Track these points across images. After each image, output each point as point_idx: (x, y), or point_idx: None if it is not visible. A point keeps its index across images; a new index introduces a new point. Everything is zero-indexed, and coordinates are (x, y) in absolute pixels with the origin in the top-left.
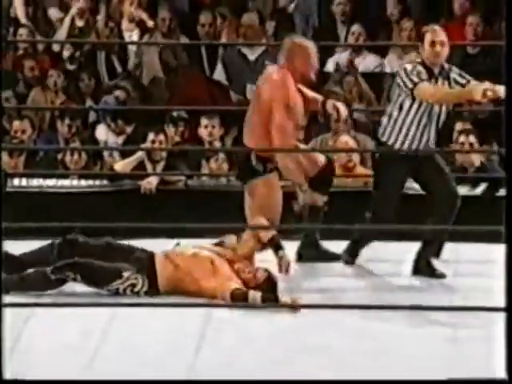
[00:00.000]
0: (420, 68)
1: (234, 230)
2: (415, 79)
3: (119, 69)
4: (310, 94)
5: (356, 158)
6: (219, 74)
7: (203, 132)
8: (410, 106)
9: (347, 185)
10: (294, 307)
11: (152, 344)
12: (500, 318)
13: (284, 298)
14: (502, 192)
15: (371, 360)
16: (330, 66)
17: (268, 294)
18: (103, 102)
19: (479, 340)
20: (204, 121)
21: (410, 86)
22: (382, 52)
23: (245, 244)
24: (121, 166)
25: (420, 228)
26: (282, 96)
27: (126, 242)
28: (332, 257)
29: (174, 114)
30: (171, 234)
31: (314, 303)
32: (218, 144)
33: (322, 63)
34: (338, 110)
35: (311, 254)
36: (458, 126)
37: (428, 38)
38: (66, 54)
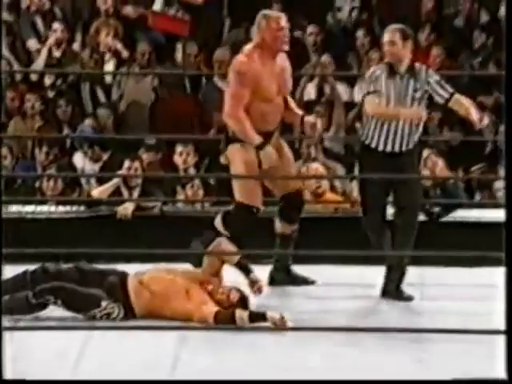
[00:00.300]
0: (377, 72)
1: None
2: (365, 90)
3: (102, 99)
4: (292, 104)
5: (326, 184)
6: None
7: (178, 159)
8: None
9: (317, 211)
10: (281, 327)
11: (127, 364)
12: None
13: (271, 314)
14: (501, 217)
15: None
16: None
17: (256, 313)
18: (80, 130)
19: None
20: (179, 148)
21: (361, 96)
22: (351, 81)
23: (210, 265)
24: (98, 192)
25: (385, 253)
26: (238, 66)
27: (98, 266)
28: (302, 281)
29: (150, 141)
30: (147, 259)
31: (298, 326)
32: (192, 171)
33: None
34: (315, 128)
35: (282, 277)
36: (425, 152)
37: (383, 38)
38: (47, 81)
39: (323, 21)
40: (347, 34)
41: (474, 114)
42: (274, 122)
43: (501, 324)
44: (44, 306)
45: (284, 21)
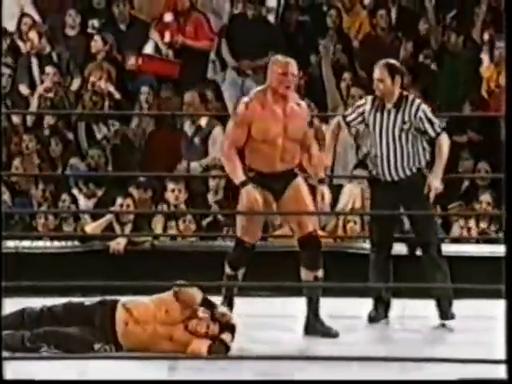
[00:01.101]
0: (360, 102)
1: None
2: (346, 118)
3: (99, 136)
4: (313, 156)
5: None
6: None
7: (170, 196)
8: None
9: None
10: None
11: None
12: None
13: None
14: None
15: None
16: None
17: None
18: (74, 168)
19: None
20: (170, 185)
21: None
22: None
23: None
24: (91, 227)
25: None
26: (238, 108)
27: (86, 301)
28: None
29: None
30: (138, 292)
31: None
32: (183, 206)
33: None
34: (323, 197)
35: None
36: None
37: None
38: (42, 122)
39: (307, 64)
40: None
41: (433, 181)
42: (277, 164)
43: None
44: (38, 348)
45: (291, 67)
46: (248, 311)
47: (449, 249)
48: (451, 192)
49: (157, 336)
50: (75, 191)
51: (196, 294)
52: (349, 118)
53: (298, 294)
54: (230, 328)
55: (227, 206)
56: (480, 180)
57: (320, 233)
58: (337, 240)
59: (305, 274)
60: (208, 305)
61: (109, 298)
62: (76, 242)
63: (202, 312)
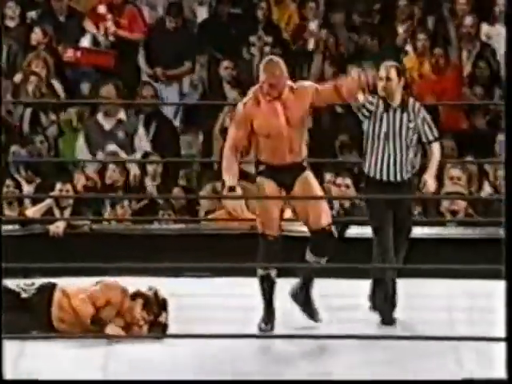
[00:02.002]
0: (370, 99)
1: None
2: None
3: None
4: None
5: (243, 203)
6: (82, 143)
7: (110, 177)
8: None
9: (234, 228)
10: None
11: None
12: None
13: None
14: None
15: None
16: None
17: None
18: (17, 155)
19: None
20: (112, 166)
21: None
22: None
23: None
24: (32, 212)
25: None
26: (236, 112)
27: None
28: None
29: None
30: (77, 273)
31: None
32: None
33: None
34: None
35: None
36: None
37: (379, 73)
38: None
39: (239, 55)
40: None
41: (428, 180)
42: (287, 156)
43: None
44: None
45: (278, 68)
46: (187, 291)
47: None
48: None
49: (91, 330)
50: (18, 177)
51: (121, 286)
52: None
53: (233, 275)
54: (164, 307)
55: (164, 191)
56: None
57: (251, 215)
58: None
59: (309, 256)
60: (139, 294)
61: (47, 281)
62: (16, 226)
63: (131, 297)
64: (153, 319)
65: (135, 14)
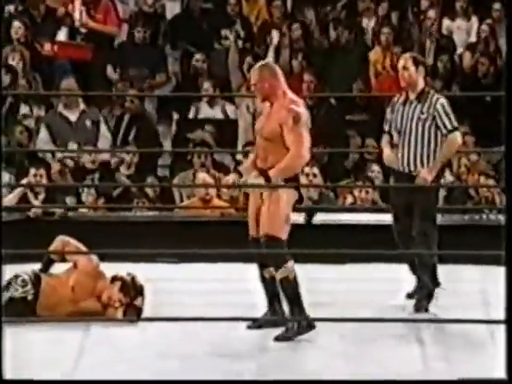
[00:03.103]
0: (391, 104)
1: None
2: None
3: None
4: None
5: (213, 191)
6: (44, 135)
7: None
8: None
9: (205, 215)
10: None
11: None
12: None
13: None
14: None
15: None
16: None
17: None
18: None
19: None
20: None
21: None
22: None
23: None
24: (8, 199)
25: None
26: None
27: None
28: None
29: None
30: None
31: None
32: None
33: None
34: None
35: None
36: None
37: (398, 64)
38: None
39: (211, 48)
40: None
41: (423, 172)
42: (258, 161)
43: None
44: None
45: (253, 76)
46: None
47: (342, 217)
48: (340, 167)
49: (70, 313)
50: None
51: (94, 262)
52: (386, 128)
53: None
54: (140, 292)
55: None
56: (368, 154)
57: (224, 204)
58: (239, 210)
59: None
60: (117, 278)
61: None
62: None
63: (110, 280)
64: (129, 302)
65: (110, 8)
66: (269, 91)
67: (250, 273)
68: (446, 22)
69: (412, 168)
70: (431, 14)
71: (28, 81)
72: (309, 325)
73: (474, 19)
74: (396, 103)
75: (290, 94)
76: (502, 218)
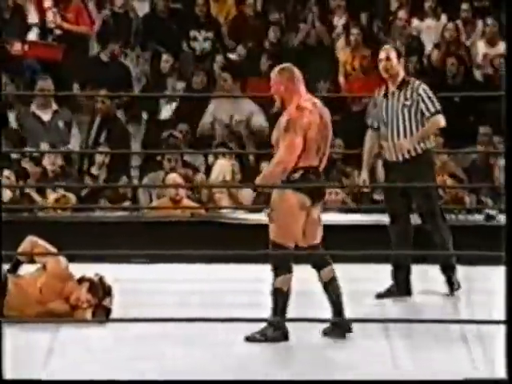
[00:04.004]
0: (376, 100)
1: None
2: (368, 122)
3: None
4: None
5: (183, 192)
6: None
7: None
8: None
9: (176, 215)
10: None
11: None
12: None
13: None
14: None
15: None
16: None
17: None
18: None
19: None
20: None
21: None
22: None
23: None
24: None
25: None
26: None
27: None
28: None
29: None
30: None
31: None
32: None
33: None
34: None
35: None
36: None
37: (380, 55)
38: None
39: (179, 49)
40: (201, 60)
41: (403, 142)
42: None
43: None
44: None
45: (272, 77)
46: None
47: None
48: None
49: (38, 314)
50: None
51: (63, 263)
52: (369, 122)
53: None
54: (109, 292)
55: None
56: (335, 154)
57: (193, 204)
58: (208, 210)
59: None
60: (85, 279)
61: None
62: None
63: (78, 281)
64: (97, 302)
65: (81, 9)
66: (284, 95)
67: (219, 273)
68: (416, 23)
69: (402, 156)
70: (401, 14)
71: None
72: (284, 336)
73: (444, 18)
74: (378, 97)
75: (304, 100)
76: (471, 218)
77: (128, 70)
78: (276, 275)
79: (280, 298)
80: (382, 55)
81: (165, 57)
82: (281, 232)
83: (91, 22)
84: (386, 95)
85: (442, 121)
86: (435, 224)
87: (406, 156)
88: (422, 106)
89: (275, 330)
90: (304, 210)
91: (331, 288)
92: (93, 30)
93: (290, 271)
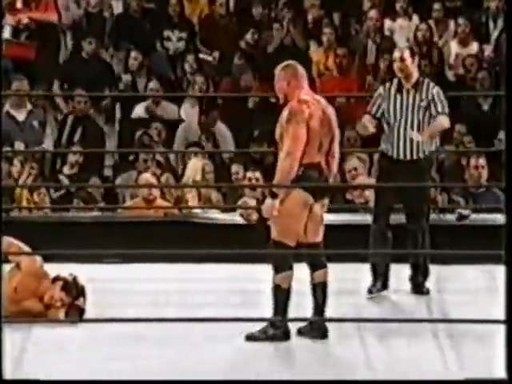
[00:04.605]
0: (376, 93)
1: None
2: (371, 112)
3: None
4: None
5: (156, 192)
6: None
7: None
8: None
9: (149, 215)
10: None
11: None
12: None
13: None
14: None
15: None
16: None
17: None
18: None
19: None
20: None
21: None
22: (178, 102)
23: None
24: None
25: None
26: None
27: None
28: None
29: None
30: None
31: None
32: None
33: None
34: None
35: None
36: None
37: (394, 56)
38: None
39: (153, 49)
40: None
41: (415, 133)
42: None
43: None
44: None
45: (277, 74)
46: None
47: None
48: None
49: (12, 313)
50: None
51: (38, 263)
52: (373, 111)
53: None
54: (82, 293)
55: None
56: None
57: (167, 204)
58: (181, 210)
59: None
60: (59, 278)
61: None
62: None
63: (52, 280)
64: (71, 301)
65: (51, 4)
66: (287, 90)
67: (194, 273)
68: (388, 23)
69: (411, 155)
70: (373, 14)
71: None
72: (285, 335)
73: (416, 18)
74: (389, 91)
75: (304, 95)
76: (443, 217)
77: (110, 67)
78: (276, 272)
79: (280, 295)
80: (396, 55)
81: (133, 54)
82: (282, 230)
83: (58, 10)
84: (399, 91)
85: (447, 121)
86: (420, 225)
87: (415, 156)
88: (432, 105)
89: (276, 329)
90: (307, 208)
91: (319, 292)
92: (60, 18)
93: (290, 268)
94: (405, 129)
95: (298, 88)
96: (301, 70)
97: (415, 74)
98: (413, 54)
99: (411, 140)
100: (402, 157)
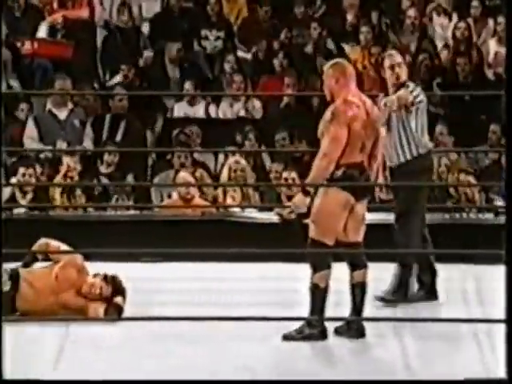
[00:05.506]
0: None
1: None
2: None
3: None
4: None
5: (194, 191)
6: (31, 131)
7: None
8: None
9: (187, 214)
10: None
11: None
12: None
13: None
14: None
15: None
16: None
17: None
18: None
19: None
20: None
21: None
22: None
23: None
24: None
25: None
26: None
27: None
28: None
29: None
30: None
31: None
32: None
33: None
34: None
35: None
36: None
37: (386, 62)
38: None
39: (191, 48)
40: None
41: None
42: None
43: None
44: None
45: (325, 72)
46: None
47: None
48: None
49: (51, 305)
50: None
51: (78, 258)
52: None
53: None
54: (122, 291)
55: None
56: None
57: (205, 203)
58: (219, 209)
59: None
60: (99, 274)
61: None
62: None
63: (92, 276)
64: (110, 295)
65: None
66: (334, 88)
67: (233, 272)
68: (427, 21)
69: (394, 161)
70: (411, 12)
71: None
72: (322, 334)
73: (455, 17)
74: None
75: (352, 95)
76: (482, 216)
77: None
78: (314, 271)
79: (317, 294)
80: (388, 63)
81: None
82: (321, 230)
83: (91, 9)
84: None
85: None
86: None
87: (402, 160)
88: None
89: (313, 328)
90: (347, 208)
91: (358, 291)
92: (93, 16)
93: (328, 267)
94: (391, 136)
95: (345, 87)
96: (350, 68)
97: (403, 78)
98: (403, 57)
99: (393, 145)
100: (388, 163)
